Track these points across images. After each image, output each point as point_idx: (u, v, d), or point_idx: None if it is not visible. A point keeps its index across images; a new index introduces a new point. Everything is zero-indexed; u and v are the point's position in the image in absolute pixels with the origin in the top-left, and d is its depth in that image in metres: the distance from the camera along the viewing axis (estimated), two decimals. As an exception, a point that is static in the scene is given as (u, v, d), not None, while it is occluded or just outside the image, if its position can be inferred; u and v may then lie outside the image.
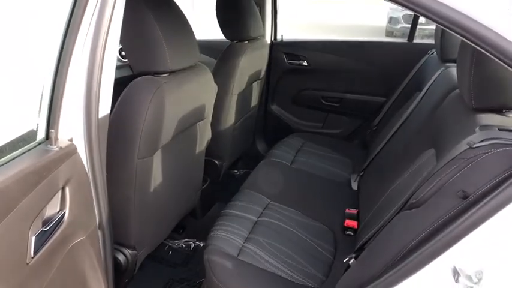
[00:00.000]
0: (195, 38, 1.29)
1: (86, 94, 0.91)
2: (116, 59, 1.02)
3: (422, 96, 1.51)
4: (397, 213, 0.98)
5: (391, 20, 9.24)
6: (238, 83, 1.79)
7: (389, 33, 9.50)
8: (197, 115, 1.41)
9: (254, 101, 2.17)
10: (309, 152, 2.01)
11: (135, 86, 1.13)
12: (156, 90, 1.12)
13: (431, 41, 1.84)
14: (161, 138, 1.19)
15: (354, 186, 1.74)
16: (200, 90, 1.36)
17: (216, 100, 1.65)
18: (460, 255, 0.73)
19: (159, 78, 1.16)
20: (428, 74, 1.67)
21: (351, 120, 2.31)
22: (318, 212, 1.51)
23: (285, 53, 2.31)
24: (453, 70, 1.43)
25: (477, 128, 0.86)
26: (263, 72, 2.13)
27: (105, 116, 1.00)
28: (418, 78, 1.83)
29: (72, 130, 0.92)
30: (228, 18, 1.78)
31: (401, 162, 1.33)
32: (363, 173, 1.69)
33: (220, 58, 1.78)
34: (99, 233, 1.08)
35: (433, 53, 1.86)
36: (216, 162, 1.92)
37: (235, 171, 2.54)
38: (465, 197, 0.74)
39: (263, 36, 2.08)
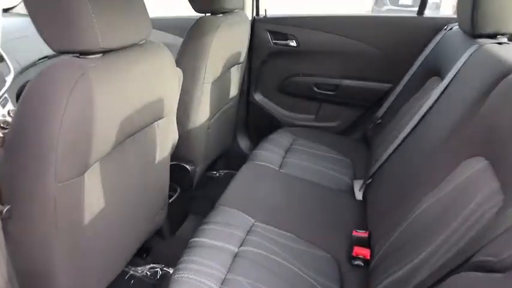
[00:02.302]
0: (143, 3, 0.91)
1: None
2: None
3: (449, 84, 1.16)
4: (452, 271, 0.63)
5: (377, 2, 8.94)
6: (212, 68, 1.41)
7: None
8: (153, 112, 1.03)
9: (233, 90, 1.79)
10: (301, 151, 1.66)
11: (45, 73, 0.74)
12: (78, 79, 0.73)
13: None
14: (93, 150, 0.80)
15: (359, 195, 1.40)
16: (154, 78, 0.98)
17: (182, 91, 1.28)
18: None
19: (84, 61, 0.78)
20: (450, 54, 1.32)
21: (349, 111, 1.96)
22: (317, 234, 1.17)
23: (269, 31, 1.92)
24: (494, 47, 1.08)
25: None
26: (243, 55, 1.75)
27: None
28: (433, 59, 1.48)
29: None
30: None
31: (428, 173, 0.99)
32: (370, 180, 1.34)
33: (187, 37, 1.38)
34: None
35: (451, 29, 1.50)
36: (187, 167, 1.55)
37: (214, 172, 2.17)
38: None
39: (241, 9, 1.69)
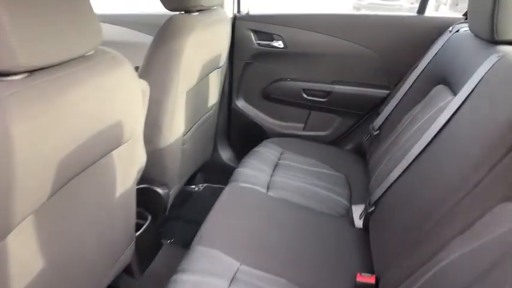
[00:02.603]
0: (88, 3, 0.68)
1: None
2: None
3: (466, 98, 0.97)
4: None
5: (359, -5, 8.80)
6: (186, 76, 1.19)
7: (356, 8, 9.01)
8: (108, 141, 0.81)
9: (212, 97, 1.57)
10: (290, 167, 1.47)
11: None
12: None
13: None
14: (15, 207, 0.58)
15: (358, 222, 1.22)
16: (107, 99, 0.75)
17: (151, 104, 1.06)
18: None
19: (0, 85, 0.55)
20: (461, 61, 1.14)
21: (341, 119, 1.77)
22: (314, 279, 0.98)
23: (253, 30, 1.71)
24: None
25: None
26: (224, 58, 1.53)
27: None
28: (439, 65, 1.30)
29: None
30: None
31: (452, 210, 0.81)
32: (373, 208, 1.15)
33: (156, 40, 1.16)
34: None
35: (457, 31, 1.33)
36: (159, 191, 1.33)
37: (192, 186, 1.96)
38: None
39: (221, 6, 1.47)
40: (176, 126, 1.25)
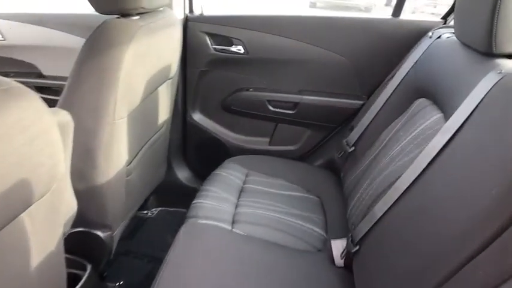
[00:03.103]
0: None
1: None
2: None
3: (465, 122, 0.81)
4: None
5: (319, -9, 8.72)
6: (127, 96, 0.95)
7: (312, 4, 8.94)
8: (9, 207, 0.57)
9: (163, 114, 1.34)
10: (258, 192, 1.27)
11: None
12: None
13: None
14: None
15: (339, 261, 1.05)
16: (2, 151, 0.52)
17: (82, 134, 0.82)
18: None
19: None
20: (449, 74, 0.99)
21: (311, 132, 1.59)
22: None
23: (208, 33, 1.49)
24: None
25: None
26: (175, 67, 1.30)
27: None
28: (420, 76, 1.15)
29: None
30: None
31: (450, 268, 0.65)
32: (357, 247, 0.98)
33: (84, 52, 0.91)
34: None
35: (439, 37, 1.18)
36: (100, 234, 1.09)
37: (144, 212, 1.72)
38: None
39: (168, 7, 1.23)
40: (116, 157, 1.01)
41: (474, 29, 0.90)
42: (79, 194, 1.00)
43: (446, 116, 0.91)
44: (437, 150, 0.84)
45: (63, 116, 0.71)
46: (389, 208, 0.92)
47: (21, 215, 0.63)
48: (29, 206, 0.63)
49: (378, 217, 0.93)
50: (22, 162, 0.56)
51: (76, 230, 1.08)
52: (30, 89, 1.64)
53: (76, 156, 0.95)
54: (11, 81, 0.54)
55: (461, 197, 0.71)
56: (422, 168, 0.86)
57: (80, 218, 0.97)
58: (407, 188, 0.88)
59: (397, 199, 0.90)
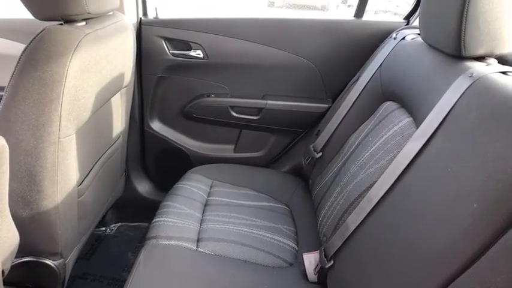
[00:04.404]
0: None
1: None
2: None
3: (438, 128, 0.79)
4: None
5: (274, -11, 8.76)
6: (73, 111, 0.85)
7: (270, 4, 8.96)
8: None
9: (118, 125, 1.24)
10: (223, 205, 1.21)
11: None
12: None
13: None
14: None
15: (313, 276, 1.00)
16: None
17: (22, 157, 0.72)
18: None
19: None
20: (414, 76, 0.97)
21: (276, 137, 1.54)
22: None
23: (164, 38, 1.40)
24: (499, 79, 0.74)
25: None
26: (129, 75, 1.21)
27: None
28: (384, 78, 1.13)
29: None
30: None
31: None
32: (331, 263, 0.93)
33: (22, 63, 0.80)
34: None
35: (403, 38, 1.17)
36: (50, 263, 0.98)
37: (102, 229, 1.60)
38: None
39: (119, 10, 1.14)
40: (64, 178, 0.90)
41: (441, 31, 0.87)
42: (23, 222, 0.89)
43: (417, 121, 0.89)
44: (409, 159, 0.81)
45: (-6, 141, 0.61)
46: (363, 221, 0.88)
47: None
48: None
49: (351, 230, 0.89)
50: None
51: (23, 260, 0.97)
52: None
53: (17, 180, 0.85)
54: None
55: (439, 212, 0.68)
56: (395, 178, 0.83)
57: (26, 247, 0.87)
58: (380, 199, 0.85)
59: (370, 211, 0.86)
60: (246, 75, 1.45)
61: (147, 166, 1.61)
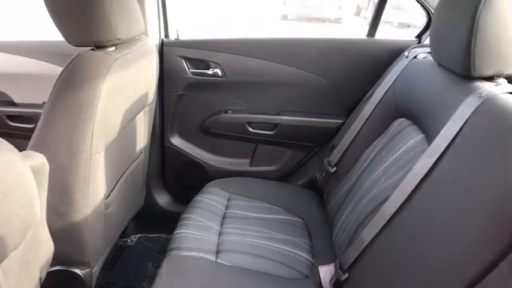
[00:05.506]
0: None
1: None
2: None
3: (448, 147, 0.82)
4: None
5: (285, 2, 8.93)
6: (103, 130, 0.92)
7: (283, 17, 9.13)
8: None
9: (141, 141, 1.31)
10: (241, 218, 1.25)
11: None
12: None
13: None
14: None
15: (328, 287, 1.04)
16: None
17: (57, 172, 0.78)
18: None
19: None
20: (427, 95, 1.01)
21: (291, 152, 1.59)
22: None
23: (185, 57, 1.47)
24: (508, 99, 0.78)
25: None
26: (152, 94, 1.28)
27: None
28: (398, 96, 1.17)
29: None
30: (67, 5, 0.89)
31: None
32: (346, 275, 0.97)
33: (58, 88, 0.87)
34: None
35: (415, 57, 1.21)
36: (78, 272, 1.04)
37: (124, 239, 1.66)
38: None
39: (143, 33, 1.22)
40: (94, 192, 0.97)
41: (451, 51, 0.91)
42: (56, 233, 0.95)
43: (428, 138, 0.92)
44: (422, 175, 0.84)
45: (37, 158, 0.67)
46: (377, 234, 0.91)
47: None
48: (2, 261, 0.59)
49: (365, 243, 0.93)
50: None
51: (53, 268, 1.03)
52: (1, 117, 1.56)
53: (51, 194, 0.91)
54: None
55: (451, 227, 0.71)
56: (409, 192, 0.86)
57: (57, 256, 0.93)
58: (393, 214, 0.88)
59: (384, 224, 0.90)
60: (262, 92, 1.51)
61: (166, 179, 1.67)
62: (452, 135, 0.82)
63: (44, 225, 0.76)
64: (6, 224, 0.56)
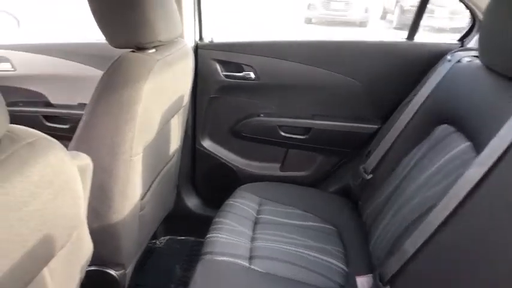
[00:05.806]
0: None
1: None
2: None
3: (501, 158, 0.78)
4: None
5: (309, 6, 8.92)
6: (143, 131, 0.92)
7: (307, 20, 9.13)
8: (33, 263, 0.53)
9: (175, 143, 1.31)
10: (273, 224, 1.23)
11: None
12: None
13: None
14: None
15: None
16: (23, 210, 0.48)
17: (97, 173, 0.78)
18: None
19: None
20: (475, 101, 0.96)
21: (324, 157, 1.56)
22: None
23: (218, 60, 1.47)
24: None
25: None
26: (187, 96, 1.28)
27: None
28: (440, 101, 1.13)
29: None
30: (111, 9, 0.89)
31: None
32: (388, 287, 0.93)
33: (99, 87, 0.88)
34: None
35: (459, 61, 1.16)
36: (113, 273, 1.04)
37: (153, 241, 1.67)
38: None
39: (180, 36, 1.22)
40: (131, 193, 0.97)
41: (502, 53, 0.87)
42: (94, 233, 0.95)
43: (476, 146, 0.88)
44: (472, 185, 0.80)
45: (82, 159, 0.67)
46: (422, 245, 0.87)
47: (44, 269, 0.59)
48: (50, 260, 0.59)
49: (409, 254, 0.89)
50: (45, 218, 0.53)
51: (89, 269, 1.03)
52: (38, 117, 1.59)
53: (91, 195, 0.91)
54: (37, 133, 0.51)
55: (501, 240, 0.67)
56: (457, 202, 0.82)
57: (94, 257, 0.93)
58: (441, 224, 0.84)
59: (430, 235, 0.86)
60: (295, 96, 1.49)
61: (196, 182, 1.67)
62: (506, 145, 0.77)
63: (86, 225, 0.76)
64: (55, 224, 0.56)
